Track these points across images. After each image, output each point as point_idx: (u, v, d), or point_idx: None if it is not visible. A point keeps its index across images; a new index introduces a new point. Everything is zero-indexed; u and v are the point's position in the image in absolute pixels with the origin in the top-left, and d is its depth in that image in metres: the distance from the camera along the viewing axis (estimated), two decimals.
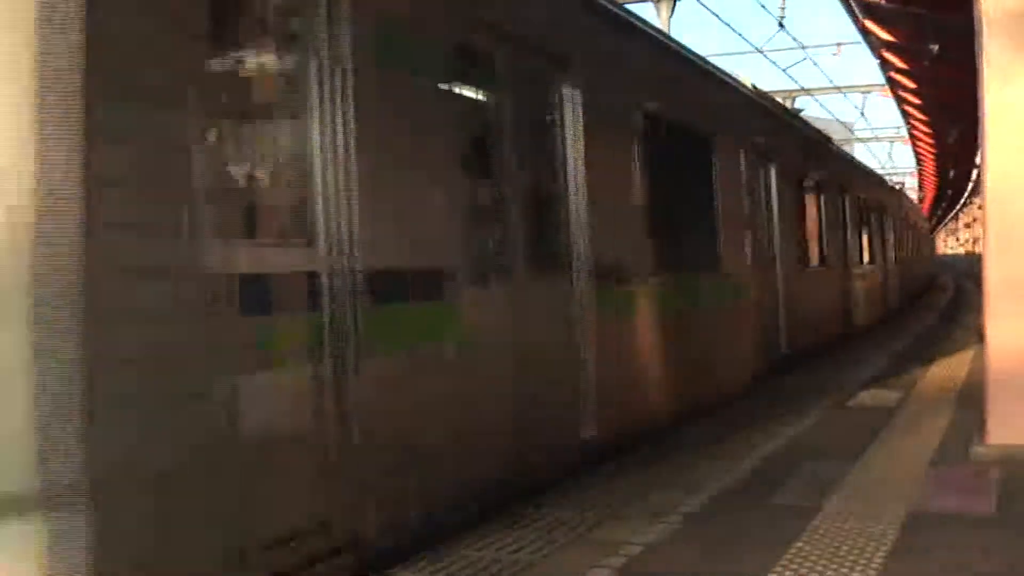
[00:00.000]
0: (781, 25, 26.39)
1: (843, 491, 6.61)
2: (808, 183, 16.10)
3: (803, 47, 28.87)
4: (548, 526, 5.91)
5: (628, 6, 9.62)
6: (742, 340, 11.85)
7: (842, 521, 5.87)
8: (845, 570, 4.99)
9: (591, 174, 7.57)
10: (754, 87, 14.12)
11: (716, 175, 11.03)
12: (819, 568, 5.04)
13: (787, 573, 4.97)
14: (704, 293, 10.61)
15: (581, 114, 7.52)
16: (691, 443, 8.36)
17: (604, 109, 7.96)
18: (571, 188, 7.46)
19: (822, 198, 17.01)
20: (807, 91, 36.78)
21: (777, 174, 13.61)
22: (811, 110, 33.34)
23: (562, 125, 7.45)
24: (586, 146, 7.55)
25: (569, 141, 7.48)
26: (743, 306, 11.98)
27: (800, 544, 5.42)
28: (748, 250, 12.10)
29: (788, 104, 28.28)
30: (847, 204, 19.39)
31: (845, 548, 5.34)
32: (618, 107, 8.41)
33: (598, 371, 7.55)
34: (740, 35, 50.03)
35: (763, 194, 13.07)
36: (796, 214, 14.97)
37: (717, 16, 45.94)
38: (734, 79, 13.07)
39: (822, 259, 16.74)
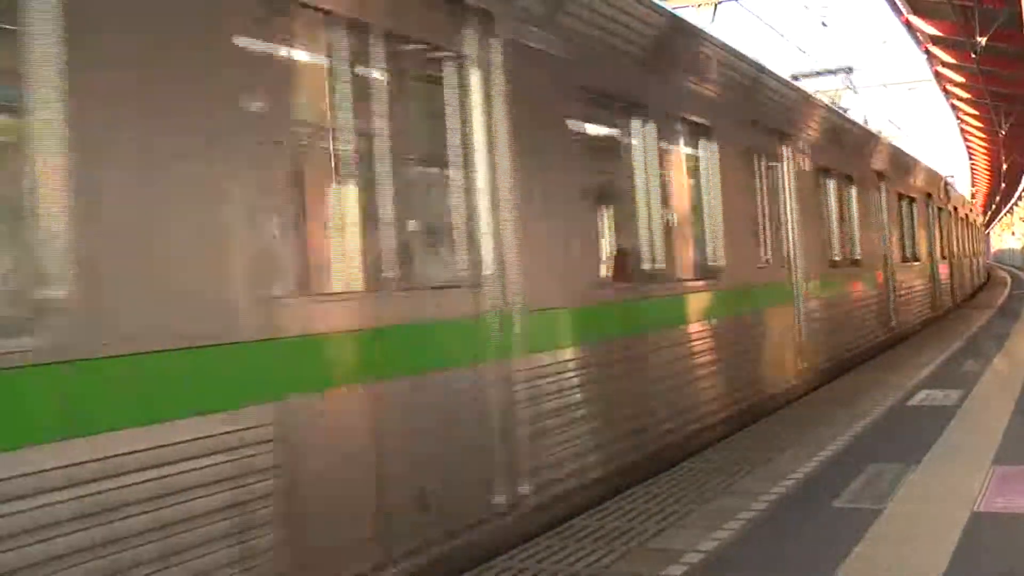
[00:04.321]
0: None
1: (905, 493, 6.54)
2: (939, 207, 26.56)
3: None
4: (608, 535, 5.92)
5: (675, 10, 9.75)
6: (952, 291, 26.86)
7: (904, 524, 5.82)
8: (908, 574, 4.94)
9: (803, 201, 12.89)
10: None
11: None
12: (881, 574, 4.99)
13: None
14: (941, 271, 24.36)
15: (791, 166, 12.24)
16: (753, 447, 8.31)
17: (800, 163, 12.67)
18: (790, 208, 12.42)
19: (942, 215, 27.09)
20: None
21: (931, 208, 24.14)
22: (857, 108, 32.97)
23: (785, 173, 12.17)
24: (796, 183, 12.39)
25: (790, 182, 12.17)
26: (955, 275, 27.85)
27: (861, 548, 5.37)
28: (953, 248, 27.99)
29: (834, 102, 28.12)
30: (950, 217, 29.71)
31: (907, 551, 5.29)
32: (807, 161, 13.16)
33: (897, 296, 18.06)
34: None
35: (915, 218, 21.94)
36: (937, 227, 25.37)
37: (759, 18, 45.78)
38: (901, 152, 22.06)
39: (950, 254, 27.84)
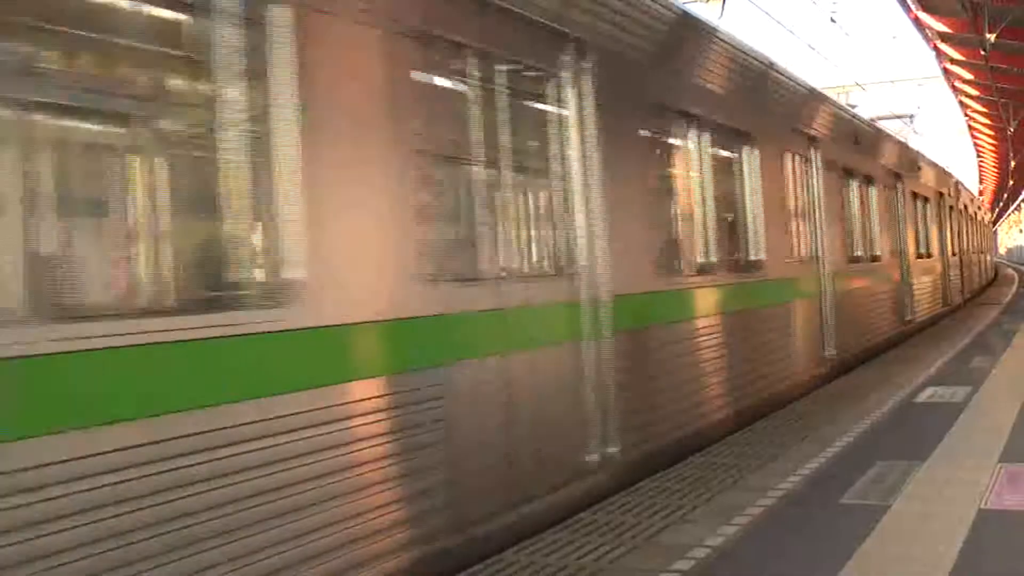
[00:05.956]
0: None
1: (912, 490, 6.54)
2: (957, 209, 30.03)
3: None
4: (615, 530, 5.93)
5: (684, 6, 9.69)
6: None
7: (911, 521, 5.82)
8: (915, 571, 4.94)
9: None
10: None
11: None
12: (888, 570, 4.99)
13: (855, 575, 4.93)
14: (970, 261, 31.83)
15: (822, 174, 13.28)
16: (759, 443, 8.32)
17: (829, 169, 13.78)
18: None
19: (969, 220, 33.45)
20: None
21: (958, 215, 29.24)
22: (865, 105, 32.92)
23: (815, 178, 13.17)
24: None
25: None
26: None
27: (867, 545, 5.37)
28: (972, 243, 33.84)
29: (842, 99, 28.07)
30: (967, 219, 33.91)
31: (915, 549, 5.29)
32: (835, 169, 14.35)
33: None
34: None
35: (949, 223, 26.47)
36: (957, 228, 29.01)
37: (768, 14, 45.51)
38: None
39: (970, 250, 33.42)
